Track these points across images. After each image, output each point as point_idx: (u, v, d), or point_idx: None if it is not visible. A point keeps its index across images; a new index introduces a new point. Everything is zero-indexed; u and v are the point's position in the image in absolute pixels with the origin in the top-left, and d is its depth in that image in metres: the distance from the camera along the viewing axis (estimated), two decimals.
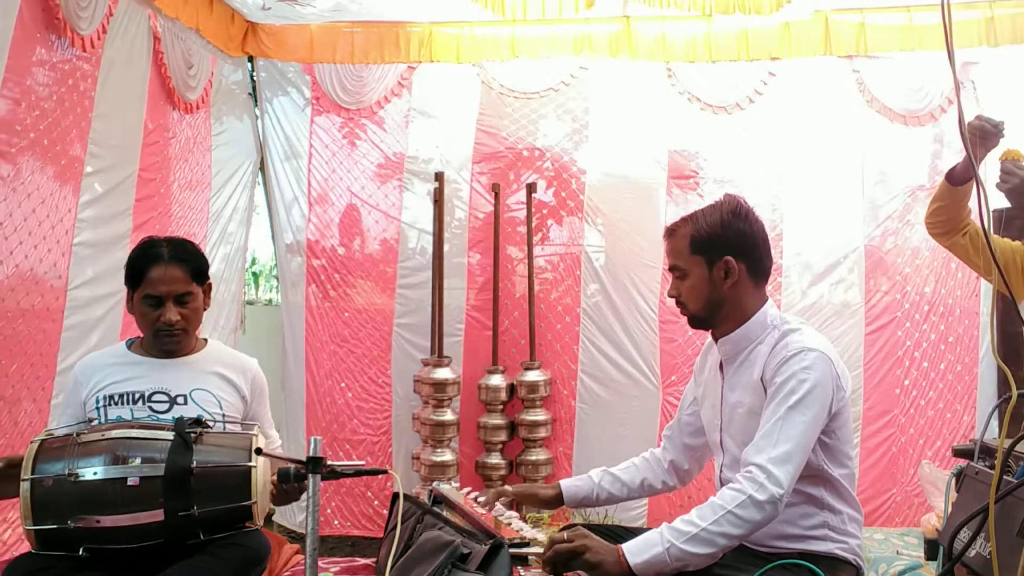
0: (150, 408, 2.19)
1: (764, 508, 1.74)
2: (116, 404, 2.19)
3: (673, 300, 2.07)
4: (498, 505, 2.21)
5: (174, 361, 2.29)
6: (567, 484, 2.25)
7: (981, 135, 2.35)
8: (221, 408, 2.26)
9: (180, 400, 2.22)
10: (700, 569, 1.78)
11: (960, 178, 2.49)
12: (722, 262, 1.96)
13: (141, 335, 2.33)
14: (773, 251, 3.95)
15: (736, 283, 1.97)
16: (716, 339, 2.05)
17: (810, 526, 1.93)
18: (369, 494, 4.20)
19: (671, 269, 2.06)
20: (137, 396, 2.20)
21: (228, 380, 2.32)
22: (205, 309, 2.33)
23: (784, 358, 1.87)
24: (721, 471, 2.06)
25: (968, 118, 2.42)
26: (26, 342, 2.75)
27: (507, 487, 2.29)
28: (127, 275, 2.25)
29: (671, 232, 2.05)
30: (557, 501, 2.24)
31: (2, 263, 2.63)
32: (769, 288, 4.27)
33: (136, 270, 2.22)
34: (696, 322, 2.06)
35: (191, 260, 2.27)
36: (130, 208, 3.28)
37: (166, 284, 2.20)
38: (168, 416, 2.16)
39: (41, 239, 2.79)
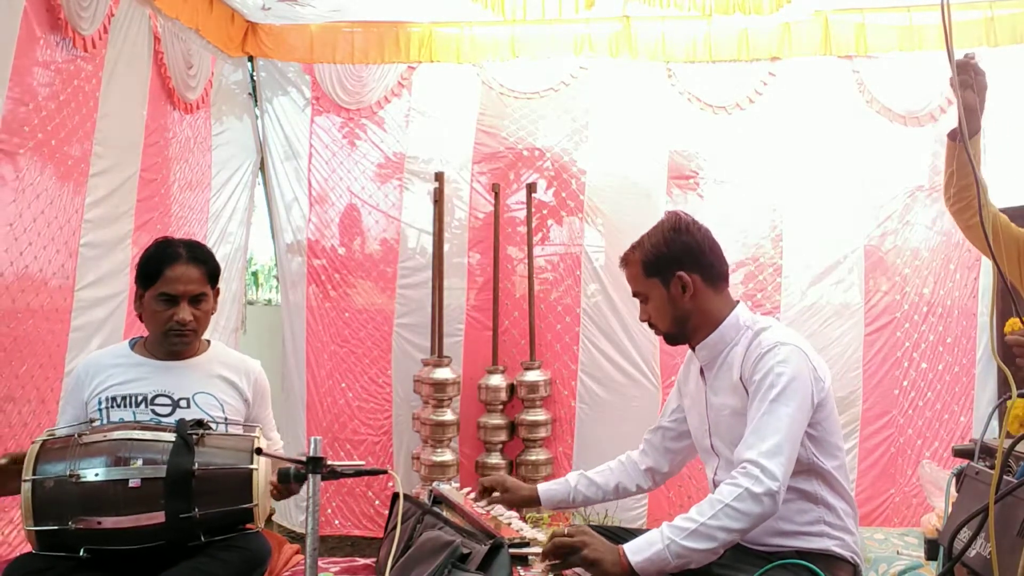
0: (153, 411, 2.19)
1: (761, 501, 1.75)
2: (119, 406, 2.19)
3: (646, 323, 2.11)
4: (498, 505, 2.22)
5: (177, 363, 2.29)
6: (544, 488, 2.29)
7: (963, 70, 2.27)
8: (223, 411, 2.26)
9: (183, 403, 2.22)
10: (699, 569, 1.79)
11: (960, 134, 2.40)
12: (676, 278, 2.00)
13: (144, 335, 2.33)
14: (773, 251, 4.01)
15: (695, 294, 2.00)
16: (693, 347, 2.08)
17: (806, 522, 1.94)
18: (370, 494, 4.20)
19: (634, 295, 2.10)
20: (140, 399, 2.20)
21: (230, 382, 2.33)
22: (212, 313, 2.33)
23: (759, 355, 1.90)
24: (715, 474, 2.07)
25: (966, 120, 2.39)
26: (35, 343, 2.76)
27: (487, 478, 2.33)
28: (140, 273, 2.24)
29: (625, 261, 2.10)
30: (534, 502, 2.28)
31: (12, 264, 2.63)
32: (769, 288, 4.25)
33: (152, 268, 2.22)
34: (671, 339, 2.11)
35: (208, 262, 2.28)
36: (132, 209, 3.28)
37: (183, 283, 2.21)
38: (170, 419, 2.16)
39: (50, 240, 2.79)
